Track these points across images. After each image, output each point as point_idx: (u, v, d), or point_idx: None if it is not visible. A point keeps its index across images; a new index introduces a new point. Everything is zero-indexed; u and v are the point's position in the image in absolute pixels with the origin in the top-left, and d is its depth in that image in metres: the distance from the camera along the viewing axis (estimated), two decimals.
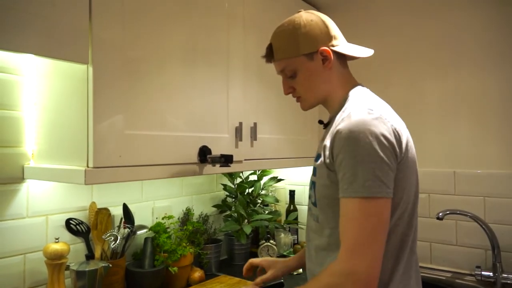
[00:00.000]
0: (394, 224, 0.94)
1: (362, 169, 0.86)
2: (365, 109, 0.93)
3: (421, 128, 1.95)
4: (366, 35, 2.09)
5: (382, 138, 0.88)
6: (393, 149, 0.90)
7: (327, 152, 0.97)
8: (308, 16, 1.06)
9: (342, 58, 1.09)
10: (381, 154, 0.87)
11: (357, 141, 0.88)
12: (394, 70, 2.02)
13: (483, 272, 1.69)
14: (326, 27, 1.05)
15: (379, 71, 2.05)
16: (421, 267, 1.89)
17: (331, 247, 0.99)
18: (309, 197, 1.11)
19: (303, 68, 1.05)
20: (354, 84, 1.09)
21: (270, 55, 1.10)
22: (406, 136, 0.97)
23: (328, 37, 1.05)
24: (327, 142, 0.97)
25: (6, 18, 0.89)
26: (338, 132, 0.92)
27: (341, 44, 1.08)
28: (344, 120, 0.93)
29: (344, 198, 0.89)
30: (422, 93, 1.95)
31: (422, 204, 1.93)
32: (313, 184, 1.05)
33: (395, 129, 0.92)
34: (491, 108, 1.79)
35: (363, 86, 1.10)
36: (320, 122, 1.21)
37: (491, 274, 1.68)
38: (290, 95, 1.12)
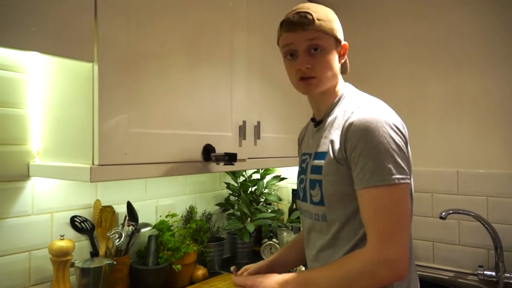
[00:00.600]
0: None
1: (385, 157, 0.88)
2: (375, 102, 0.98)
3: (423, 128, 1.95)
4: (368, 36, 2.10)
5: (396, 129, 0.92)
6: (406, 140, 0.95)
7: (336, 147, 0.97)
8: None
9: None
10: (399, 143, 0.91)
11: (375, 131, 0.90)
12: (396, 71, 2.02)
13: (485, 272, 1.69)
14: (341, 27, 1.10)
15: (381, 72, 2.06)
16: (423, 266, 1.90)
17: (338, 244, 0.99)
18: (304, 198, 1.09)
19: (330, 50, 1.03)
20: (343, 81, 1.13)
21: (309, 20, 1.00)
22: (407, 134, 1.00)
23: (342, 37, 1.09)
24: (334, 137, 0.99)
25: (12, 16, 0.90)
26: (351, 125, 0.94)
27: None
28: (355, 114, 0.95)
29: (367, 188, 0.90)
30: (424, 94, 1.95)
31: (425, 204, 1.93)
32: (316, 183, 1.02)
33: (402, 124, 0.97)
34: (494, 108, 1.79)
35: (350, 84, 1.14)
36: (313, 120, 1.16)
37: (493, 273, 1.68)
38: (304, 73, 1.03)
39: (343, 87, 1.10)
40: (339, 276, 0.90)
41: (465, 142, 1.85)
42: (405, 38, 2.00)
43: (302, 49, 1.02)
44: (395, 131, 0.92)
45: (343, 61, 1.09)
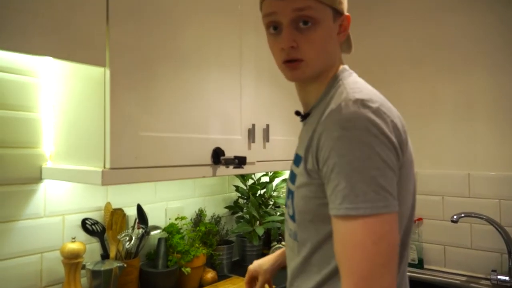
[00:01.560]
0: None
1: (361, 177, 0.67)
2: (360, 100, 0.72)
3: (434, 129, 1.93)
4: (378, 35, 2.09)
5: (382, 137, 0.69)
6: (395, 150, 0.72)
7: (309, 155, 0.77)
8: None
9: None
10: (383, 156, 0.68)
11: (352, 141, 0.68)
12: (406, 71, 2.01)
13: (498, 276, 1.67)
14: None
15: (392, 72, 2.05)
16: (435, 270, 1.89)
17: (309, 269, 0.82)
18: (286, 207, 0.90)
19: (325, 24, 0.81)
20: (341, 64, 0.89)
21: None
22: (406, 135, 0.78)
23: (346, 9, 0.87)
24: (309, 140, 0.78)
25: (25, 21, 0.91)
26: (325, 130, 0.72)
27: None
28: (332, 114, 0.73)
29: (339, 217, 0.69)
30: (435, 94, 1.94)
31: (436, 207, 1.91)
32: (289, 194, 0.86)
33: (395, 124, 0.73)
34: (505, 109, 1.77)
35: (348, 67, 0.89)
36: (297, 113, 0.98)
37: (507, 278, 1.66)
38: (288, 54, 0.82)
39: (341, 71, 0.86)
40: None
41: (477, 144, 1.83)
42: (415, 39, 1.99)
43: (288, 21, 0.80)
44: (381, 141, 0.69)
45: (344, 37, 0.86)
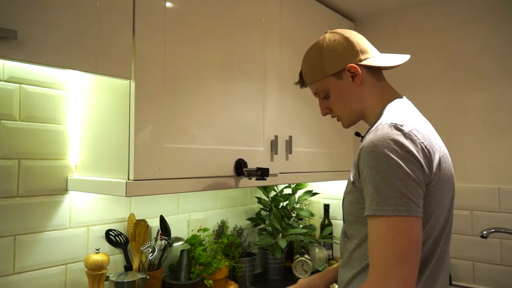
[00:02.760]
0: None
1: (387, 186, 0.81)
2: (393, 124, 0.87)
3: (462, 142, 1.88)
4: (403, 47, 2.06)
5: (408, 155, 0.82)
6: (421, 167, 0.84)
7: (353, 167, 0.93)
8: (331, 36, 1.05)
9: (375, 70, 1.04)
10: (408, 170, 0.81)
11: (380, 156, 0.83)
12: (433, 83, 1.97)
13: None
14: (350, 43, 1.02)
15: (418, 84, 2.01)
16: (463, 287, 1.82)
17: (352, 263, 0.97)
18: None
19: (334, 88, 1.04)
20: (393, 96, 1.03)
21: (301, 80, 1.13)
22: (439, 155, 0.90)
23: (353, 53, 1.02)
24: (355, 156, 0.94)
25: (53, 35, 0.94)
26: (363, 147, 0.88)
27: (373, 57, 1.03)
28: (370, 134, 0.89)
29: (370, 217, 0.84)
30: (462, 105, 1.89)
31: (464, 222, 1.85)
32: (343, 200, 1.03)
33: (425, 146, 0.86)
34: None
35: (403, 98, 1.04)
36: (357, 134, 1.18)
37: None
38: (330, 116, 1.12)
39: (386, 103, 1.01)
40: None
41: (507, 157, 1.77)
42: (439, 57, 1.95)
43: (317, 97, 1.11)
44: (406, 158, 0.82)
45: (360, 80, 1.01)
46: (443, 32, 1.96)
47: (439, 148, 0.92)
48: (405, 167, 0.81)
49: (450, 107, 1.92)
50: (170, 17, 1.18)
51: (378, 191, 0.81)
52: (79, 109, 1.32)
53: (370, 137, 0.87)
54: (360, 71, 1.01)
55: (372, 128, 0.91)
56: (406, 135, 0.84)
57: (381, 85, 1.05)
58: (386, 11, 2.11)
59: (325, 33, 1.08)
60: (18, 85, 1.21)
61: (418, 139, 0.85)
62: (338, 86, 1.04)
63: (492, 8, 1.83)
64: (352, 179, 0.94)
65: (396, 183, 0.80)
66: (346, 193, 0.99)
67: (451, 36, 1.93)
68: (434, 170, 0.87)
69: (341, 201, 1.05)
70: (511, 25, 1.77)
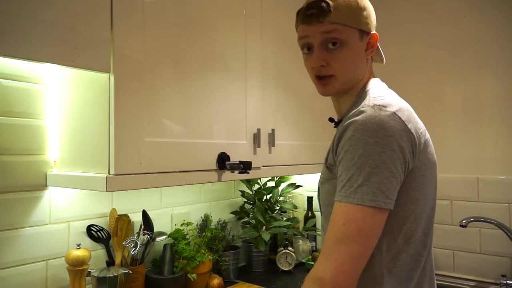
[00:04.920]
0: (405, 242, 0.85)
1: (358, 173, 0.77)
2: (377, 105, 0.82)
3: (442, 133, 1.91)
4: (384, 40, 2.07)
5: (389, 140, 0.78)
6: (403, 154, 0.79)
7: (330, 152, 0.88)
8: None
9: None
10: (384, 158, 0.77)
11: (358, 141, 0.78)
12: (413, 75, 2.00)
13: (508, 281, 1.65)
14: (374, 15, 0.96)
15: (399, 76, 2.03)
16: (444, 275, 1.86)
17: None
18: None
19: (352, 44, 0.91)
20: (372, 76, 0.99)
21: (324, 11, 0.89)
22: (424, 139, 0.86)
23: (374, 25, 0.96)
24: (332, 141, 0.88)
25: (29, 28, 0.91)
26: (344, 129, 0.82)
27: None
28: (351, 117, 0.83)
29: (335, 202, 0.81)
30: (443, 98, 1.92)
31: (444, 211, 1.89)
32: (318, 192, 0.98)
33: (409, 129, 0.81)
34: None
35: (379, 79, 1.00)
36: (331, 120, 1.07)
37: None
38: (319, 72, 0.94)
39: (370, 83, 0.95)
40: None
41: (486, 147, 1.81)
42: (422, 42, 1.98)
43: (318, 43, 0.91)
44: (387, 144, 0.77)
45: (372, 53, 0.95)
46: (425, 18, 1.97)
47: (424, 132, 0.88)
48: (382, 154, 0.77)
49: (430, 95, 1.95)
50: (149, 10, 1.17)
51: (348, 177, 0.78)
52: (58, 103, 1.29)
53: (353, 119, 0.81)
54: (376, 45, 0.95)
55: (355, 111, 0.84)
56: (390, 117, 0.79)
57: (371, 69, 1.00)
58: None
59: None
60: None
61: (403, 121, 0.81)
62: (356, 45, 0.92)
63: None
64: (327, 165, 0.90)
65: (368, 170, 0.76)
66: (321, 183, 0.94)
67: (433, 25, 1.95)
68: (418, 154, 0.83)
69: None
70: (495, 16, 1.80)
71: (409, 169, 0.82)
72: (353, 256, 0.77)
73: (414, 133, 0.82)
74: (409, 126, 0.81)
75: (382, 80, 1.01)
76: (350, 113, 0.85)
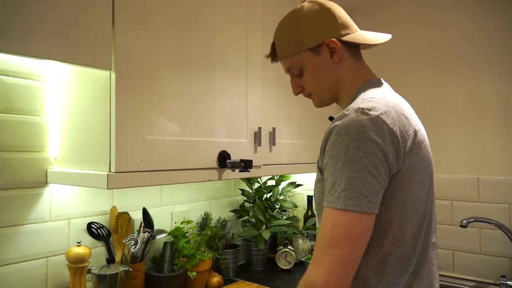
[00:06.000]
0: (392, 245, 0.84)
1: (340, 177, 0.78)
2: (360, 108, 0.81)
3: (443, 133, 1.91)
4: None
5: (370, 144, 0.77)
6: (386, 158, 0.78)
7: (319, 155, 0.89)
8: (311, 5, 0.94)
9: (354, 48, 0.96)
10: (365, 162, 0.77)
11: (341, 146, 0.78)
12: (414, 74, 2.00)
13: (508, 282, 1.65)
14: (332, 15, 0.93)
15: (399, 75, 2.03)
16: (443, 276, 1.86)
17: None
18: None
19: (309, 64, 0.95)
20: (369, 77, 0.96)
21: (274, 53, 1.01)
22: (414, 141, 0.84)
23: (335, 27, 0.93)
24: (321, 143, 0.88)
25: (30, 24, 0.91)
26: (329, 133, 0.83)
27: (354, 32, 0.95)
28: (337, 120, 0.83)
29: (323, 206, 0.81)
30: (443, 97, 1.92)
31: (444, 211, 1.89)
32: (314, 190, 0.98)
33: (394, 132, 0.80)
34: None
35: (379, 79, 0.97)
36: (331, 118, 1.07)
37: None
38: (302, 94, 1.04)
39: (363, 84, 0.94)
40: None
41: (486, 148, 1.81)
42: (422, 44, 1.97)
43: (289, 74, 1.02)
44: (367, 148, 0.77)
45: (339, 57, 0.93)
46: (426, 20, 1.97)
47: (415, 133, 0.85)
48: (363, 158, 0.77)
49: (431, 96, 1.95)
50: (151, 7, 1.16)
51: (332, 182, 0.79)
52: (58, 100, 1.29)
53: (335, 123, 0.82)
54: (340, 48, 0.93)
55: (340, 114, 0.84)
56: (373, 120, 0.78)
57: (359, 65, 0.97)
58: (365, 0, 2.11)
59: (303, 1, 0.98)
60: None
61: (387, 124, 0.79)
62: (314, 62, 0.94)
63: None
64: (318, 167, 0.91)
65: (350, 175, 0.77)
66: (316, 182, 0.94)
67: (433, 25, 1.95)
68: (403, 158, 0.81)
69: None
70: (494, 15, 1.80)
71: (393, 172, 0.81)
72: (343, 259, 0.77)
73: (399, 136, 0.81)
74: (394, 128, 0.80)
75: (382, 77, 0.99)
76: (336, 116, 0.85)
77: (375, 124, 0.79)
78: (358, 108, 0.81)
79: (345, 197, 0.77)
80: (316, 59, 0.94)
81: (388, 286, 0.85)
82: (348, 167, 0.77)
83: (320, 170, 0.89)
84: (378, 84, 0.95)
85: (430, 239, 0.91)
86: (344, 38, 0.93)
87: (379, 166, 0.78)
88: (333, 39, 0.92)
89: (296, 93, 1.03)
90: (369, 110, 0.80)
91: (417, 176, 0.85)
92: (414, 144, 0.84)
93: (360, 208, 0.76)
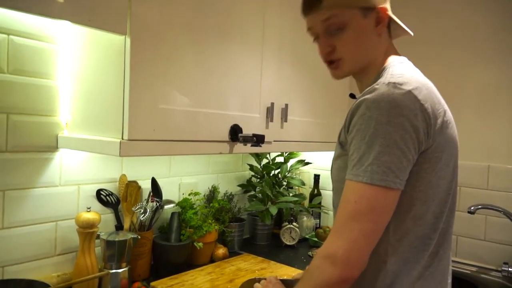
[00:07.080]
0: (414, 223, 0.83)
1: (369, 152, 0.76)
2: (392, 83, 0.79)
3: (456, 118, 1.87)
4: (406, 15, 2.02)
5: (402, 119, 0.75)
6: (416, 134, 0.77)
7: (342, 129, 0.87)
8: None
9: (389, 27, 0.95)
10: (395, 137, 0.75)
11: (370, 120, 0.76)
12: (433, 56, 1.95)
13: (510, 269, 1.65)
14: None
15: (414, 60, 1.98)
16: None
17: None
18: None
19: (354, 24, 0.88)
20: (396, 56, 0.95)
21: (315, 1, 0.90)
22: (443, 119, 0.83)
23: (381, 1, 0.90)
24: (345, 118, 0.86)
25: None
26: (356, 107, 0.81)
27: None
28: (364, 94, 0.81)
29: (346, 180, 0.80)
30: (460, 82, 1.88)
31: None
32: (331, 167, 0.97)
33: (425, 109, 0.78)
34: None
35: (404, 58, 0.95)
36: (352, 96, 1.06)
37: None
38: (326, 58, 0.94)
39: (391, 60, 0.91)
40: (305, 276, 0.83)
41: (500, 135, 1.78)
42: (445, 22, 1.92)
43: (321, 31, 0.91)
44: (399, 123, 0.75)
45: (383, 28, 0.91)
46: (441, 8, 1.91)
47: (444, 113, 0.85)
48: (394, 133, 0.75)
49: (447, 83, 1.91)
50: None
51: (359, 156, 0.77)
52: (70, 64, 1.27)
53: (366, 96, 0.79)
54: (387, 18, 0.90)
55: (369, 88, 0.82)
56: (405, 95, 0.77)
57: (390, 43, 0.96)
58: None
59: None
60: (6, 35, 1.15)
61: (419, 100, 0.78)
62: (360, 23, 0.88)
63: None
64: (340, 142, 0.89)
65: (379, 149, 0.75)
66: (334, 159, 0.93)
67: (449, 12, 1.89)
68: (434, 135, 0.80)
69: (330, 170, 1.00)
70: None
71: (422, 149, 0.80)
72: (366, 233, 0.77)
73: (430, 113, 0.79)
74: (425, 105, 0.78)
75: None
76: (365, 90, 0.83)
77: (407, 99, 0.77)
78: (389, 82, 0.79)
79: (372, 171, 0.75)
80: (362, 22, 0.89)
81: (406, 263, 0.85)
82: (377, 141, 0.76)
83: (341, 145, 0.88)
84: (406, 62, 0.93)
85: (452, 220, 0.91)
86: (389, 13, 0.91)
87: (409, 142, 0.76)
88: (385, 7, 0.90)
89: (325, 53, 0.93)
90: (401, 84, 0.78)
91: (444, 156, 0.84)
92: (444, 123, 0.83)
93: (386, 183, 0.75)
